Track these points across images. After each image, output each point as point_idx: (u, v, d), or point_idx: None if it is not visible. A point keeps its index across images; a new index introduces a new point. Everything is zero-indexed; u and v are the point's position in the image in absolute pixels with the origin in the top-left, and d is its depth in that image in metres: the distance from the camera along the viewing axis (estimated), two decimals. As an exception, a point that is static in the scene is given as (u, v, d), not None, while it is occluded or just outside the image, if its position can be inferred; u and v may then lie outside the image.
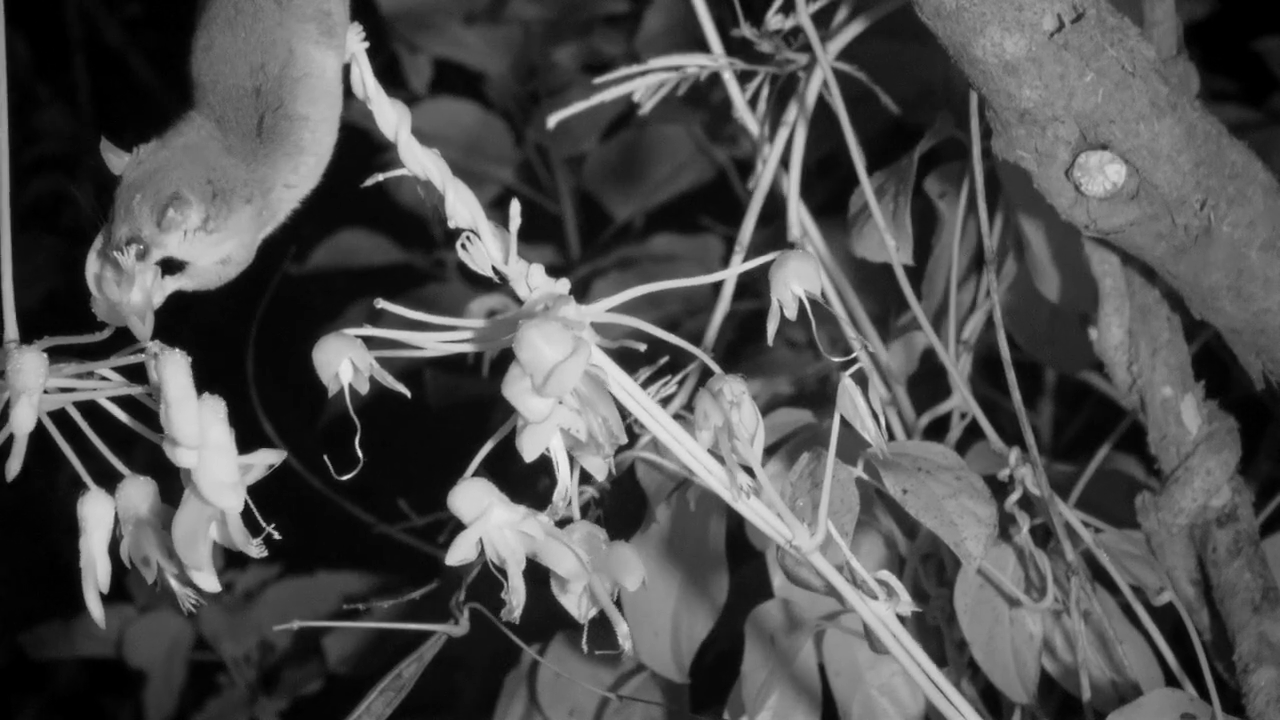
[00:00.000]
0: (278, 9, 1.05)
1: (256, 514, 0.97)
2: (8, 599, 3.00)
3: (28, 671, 2.89)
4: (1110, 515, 1.51)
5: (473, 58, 2.64)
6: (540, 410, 0.92)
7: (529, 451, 0.94)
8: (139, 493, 0.99)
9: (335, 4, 1.07)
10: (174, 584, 1.00)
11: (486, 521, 0.95)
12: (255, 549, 0.97)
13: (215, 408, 0.94)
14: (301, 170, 1.08)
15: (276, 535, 0.97)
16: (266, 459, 0.98)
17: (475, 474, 0.97)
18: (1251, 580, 1.39)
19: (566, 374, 0.90)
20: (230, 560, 2.69)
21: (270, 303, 2.07)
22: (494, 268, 1.00)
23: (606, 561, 1.00)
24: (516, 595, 0.96)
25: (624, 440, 0.95)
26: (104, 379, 0.99)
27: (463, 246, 1.00)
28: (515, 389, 0.92)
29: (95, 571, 0.99)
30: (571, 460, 0.98)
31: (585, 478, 1.00)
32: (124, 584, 2.70)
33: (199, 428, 0.93)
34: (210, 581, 0.98)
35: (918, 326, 1.58)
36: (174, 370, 0.93)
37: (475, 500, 0.95)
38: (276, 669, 2.73)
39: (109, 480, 1.00)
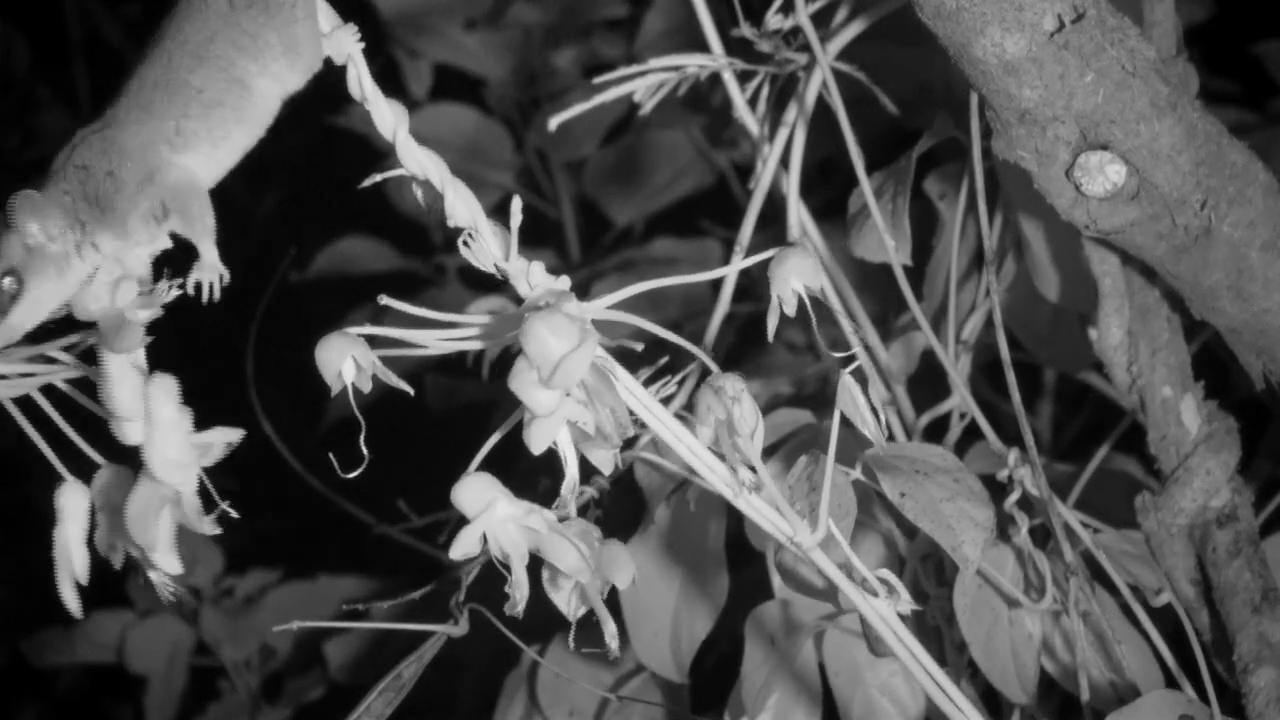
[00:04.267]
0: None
1: (213, 491, 0.96)
2: (8, 601, 3.00)
3: (28, 673, 2.89)
4: (1110, 515, 1.51)
5: (472, 63, 2.64)
6: (547, 403, 0.92)
7: (537, 445, 0.94)
8: (114, 481, 0.99)
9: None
10: (153, 575, 1.00)
11: (491, 516, 0.95)
12: (208, 526, 0.96)
13: (166, 386, 0.94)
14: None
15: (234, 513, 0.97)
16: (225, 436, 0.97)
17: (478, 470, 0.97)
18: (1251, 580, 1.39)
19: (574, 366, 0.90)
20: (231, 565, 2.69)
21: (272, 307, 2.07)
22: (495, 266, 1.00)
23: (598, 559, 1.00)
24: (520, 589, 0.96)
25: (632, 432, 0.95)
26: (57, 361, 0.99)
27: (464, 244, 1.00)
28: (522, 382, 0.92)
29: (70, 562, 0.99)
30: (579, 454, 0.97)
31: (584, 478, 1.00)
32: (124, 589, 2.70)
33: (134, 398, 0.93)
34: (171, 562, 0.97)
35: (917, 327, 1.58)
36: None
37: (479, 494, 0.95)
38: (278, 674, 2.73)
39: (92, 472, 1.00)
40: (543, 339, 0.91)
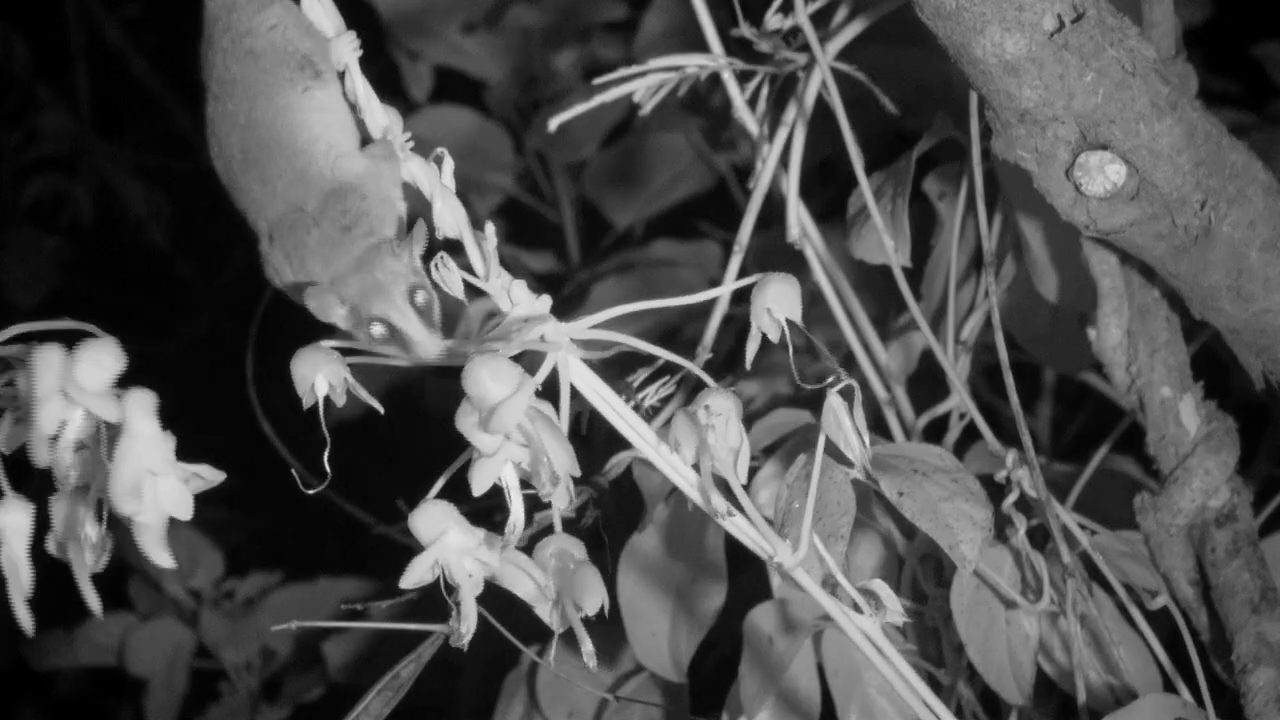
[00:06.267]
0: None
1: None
2: (8, 603, 3.00)
3: (29, 676, 2.89)
4: (1109, 516, 1.51)
5: (472, 65, 2.64)
6: (489, 445, 0.92)
7: (478, 484, 0.94)
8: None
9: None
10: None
11: (443, 546, 0.95)
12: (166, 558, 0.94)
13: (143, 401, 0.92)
14: None
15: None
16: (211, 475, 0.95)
17: (439, 495, 0.96)
18: (1250, 580, 1.39)
19: (507, 412, 0.90)
20: (231, 567, 2.69)
21: (271, 307, 2.07)
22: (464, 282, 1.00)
23: (570, 581, 0.99)
24: (467, 622, 0.96)
25: (577, 473, 0.95)
26: None
27: (435, 269, 0.99)
28: (466, 423, 0.91)
29: (20, 579, 0.97)
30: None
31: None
32: (125, 592, 2.70)
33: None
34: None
35: (916, 327, 1.58)
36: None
37: (433, 523, 0.95)
38: (278, 676, 2.73)
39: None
40: (483, 383, 0.90)
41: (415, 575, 0.94)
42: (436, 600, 1.41)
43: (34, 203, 3.42)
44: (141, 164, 3.54)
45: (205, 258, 3.45)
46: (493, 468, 0.93)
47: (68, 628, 2.71)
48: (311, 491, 0.98)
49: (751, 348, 1.01)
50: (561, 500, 0.96)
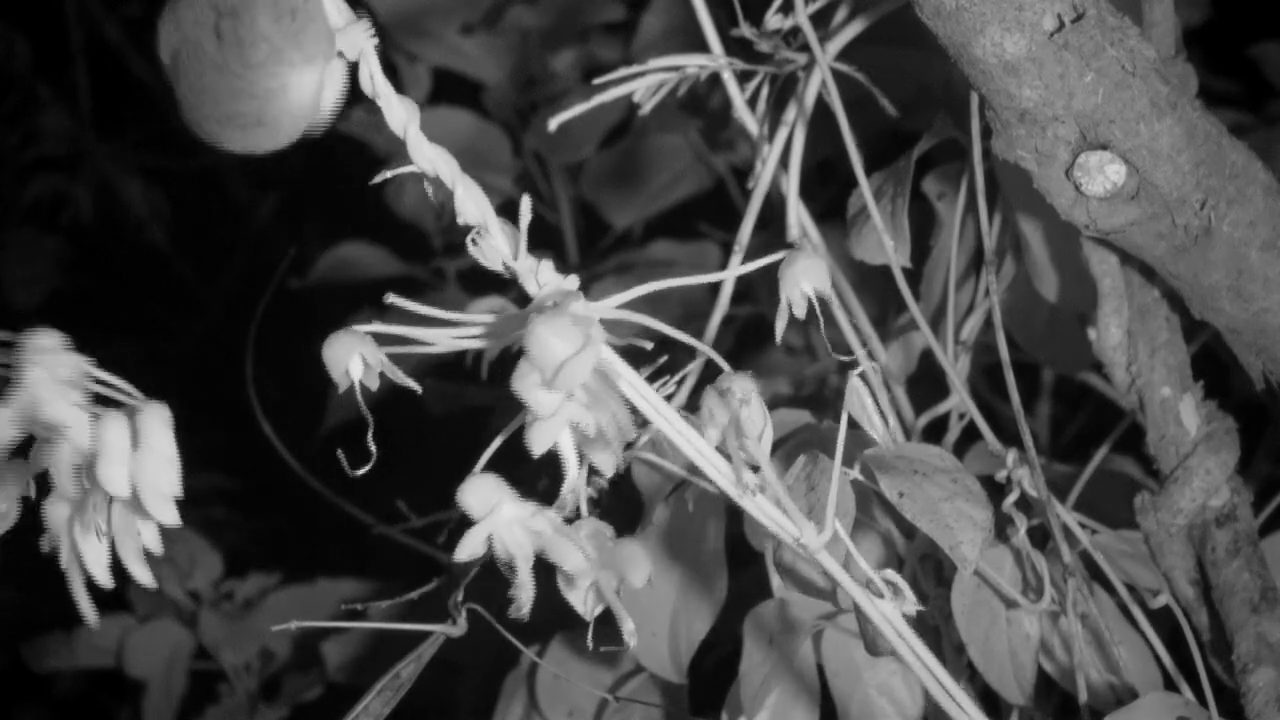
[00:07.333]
0: None
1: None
2: (8, 603, 3.01)
3: (27, 676, 2.90)
4: (1109, 516, 1.51)
5: (471, 66, 2.64)
6: (549, 405, 0.92)
7: (537, 446, 0.94)
8: None
9: None
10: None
11: (496, 517, 0.95)
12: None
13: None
14: None
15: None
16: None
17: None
18: (1250, 580, 1.39)
19: (577, 368, 0.90)
20: (230, 568, 2.70)
21: (271, 307, 2.08)
22: (503, 265, 1.00)
23: (612, 557, 1.00)
24: (525, 591, 0.96)
25: (634, 435, 0.95)
26: None
27: (472, 242, 1.00)
28: (524, 384, 0.91)
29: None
30: (580, 456, 0.97)
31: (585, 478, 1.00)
32: (124, 593, 2.70)
33: None
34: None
35: (916, 327, 1.58)
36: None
37: (485, 496, 0.95)
38: (277, 677, 2.73)
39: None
40: (546, 341, 0.90)
41: (469, 548, 0.94)
42: (436, 600, 1.42)
43: (34, 203, 3.43)
44: (141, 164, 3.55)
45: (205, 258, 3.45)
46: (552, 429, 0.93)
47: (68, 629, 2.71)
48: (359, 473, 0.98)
49: (780, 324, 1.01)
50: (609, 468, 0.97)
